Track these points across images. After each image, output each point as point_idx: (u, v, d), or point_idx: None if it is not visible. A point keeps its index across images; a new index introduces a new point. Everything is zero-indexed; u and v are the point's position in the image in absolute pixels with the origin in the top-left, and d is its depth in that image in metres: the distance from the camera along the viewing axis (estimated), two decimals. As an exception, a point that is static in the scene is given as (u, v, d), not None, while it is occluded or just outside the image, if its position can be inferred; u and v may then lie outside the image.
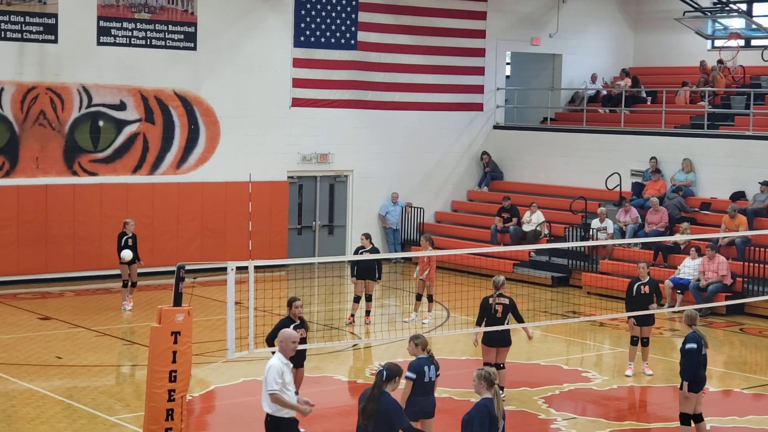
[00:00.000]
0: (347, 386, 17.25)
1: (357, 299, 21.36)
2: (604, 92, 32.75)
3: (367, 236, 21.50)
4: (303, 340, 14.11)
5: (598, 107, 32.11)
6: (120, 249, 22.32)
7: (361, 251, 21.36)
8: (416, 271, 22.08)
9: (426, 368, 12.27)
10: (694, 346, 13.52)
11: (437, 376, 12.47)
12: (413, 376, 12.20)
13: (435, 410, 12.49)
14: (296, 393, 13.97)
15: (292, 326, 14.00)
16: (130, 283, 22.53)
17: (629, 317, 17.79)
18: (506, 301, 15.96)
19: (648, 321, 17.77)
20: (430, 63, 30.65)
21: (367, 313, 21.34)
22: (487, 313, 15.96)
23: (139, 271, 23.34)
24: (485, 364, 15.82)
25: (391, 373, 10.40)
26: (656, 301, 17.76)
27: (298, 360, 14.10)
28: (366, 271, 21.17)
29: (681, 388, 13.70)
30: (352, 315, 21.40)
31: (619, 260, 25.77)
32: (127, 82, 26.26)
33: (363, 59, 29.48)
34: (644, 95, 32.00)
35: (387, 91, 30.02)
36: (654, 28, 33.77)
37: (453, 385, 16.61)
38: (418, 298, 21.97)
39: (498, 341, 15.82)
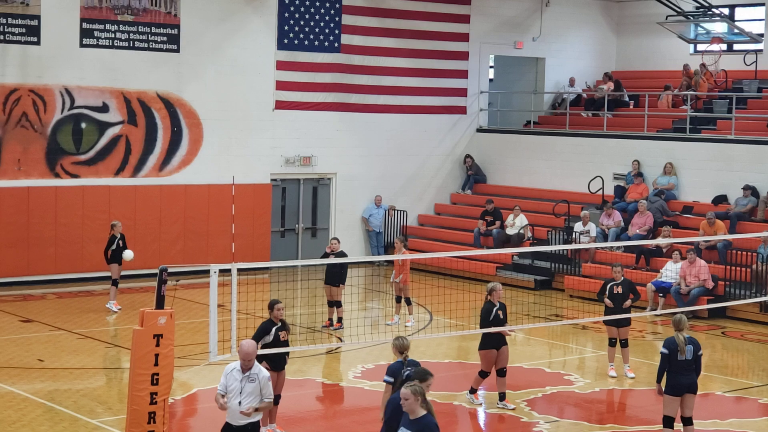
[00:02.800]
0: (330, 389, 17.23)
1: (329, 303, 21.38)
2: (584, 96, 32.83)
3: (337, 240, 21.47)
4: (285, 343, 14.09)
5: (580, 111, 32.19)
6: (114, 251, 22.33)
7: (330, 255, 21.29)
8: (393, 275, 22.08)
9: (404, 372, 12.25)
10: (665, 351, 13.69)
11: None
12: (391, 379, 12.20)
13: None
14: (279, 396, 14.05)
15: (273, 329, 13.97)
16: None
17: (605, 320, 17.95)
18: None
19: (624, 322, 17.85)
20: (414, 66, 30.66)
21: (339, 320, 21.21)
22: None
23: (123, 273, 23.29)
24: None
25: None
26: (632, 300, 17.88)
27: (278, 364, 14.07)
28: (330, 276, 21.16)
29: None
30: (329, 319, 21.37)
31: (602, 263, 25.80)
32: (110, 84, 26.19)
33: (346, 62, 29.47)
34: (627, 99, 32.09)
35: (370, 94, 30.01)
36: (637, 32, 33.87)
37: (435, 388, 16.57)
38: (398, 300, 21.98)
39: None
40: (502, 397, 15.79)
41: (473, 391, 16.04)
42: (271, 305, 14.17)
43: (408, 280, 21.83)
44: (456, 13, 31.29)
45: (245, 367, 11.29)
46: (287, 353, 14.27)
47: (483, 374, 15.96)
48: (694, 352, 13.71)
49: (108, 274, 22.78)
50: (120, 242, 22.47)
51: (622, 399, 17.16)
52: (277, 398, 14.08)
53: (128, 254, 22.02)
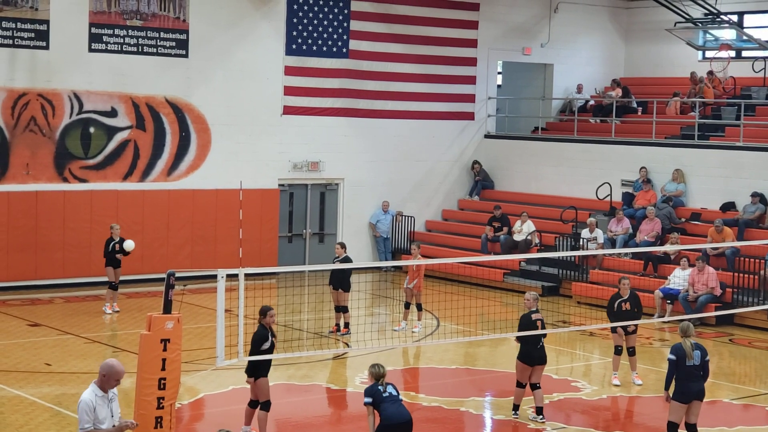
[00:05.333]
0: (336, 395, 17.23)
1: (336, 309, 21.41)
2: (591, 102, 32.81)
3: (341, 245, 21.45)
4: (270, 349, 14.12)
5: (589, 117, 32.17)
6: (110, 254, 22.54)
7: (335, 260, 21.33)
8: (406, 280, 22.06)
9: (380, 387, 12.29)
10: (673, 357, 13.69)
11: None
12: (369, 400, 12.31)
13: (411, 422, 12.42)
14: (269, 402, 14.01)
15: (270, 335, 14.05)
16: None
17: (612, 329, 17.89)
18: (541, 317, 15.86)
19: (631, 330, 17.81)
20: (422, 72, 30.67)
21: (346, 325, 21.21)
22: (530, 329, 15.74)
23: (131, 278, 23.32)
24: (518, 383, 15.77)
25: None
26: (638, 316, 17.73)
27: (267, 369, 14.11)
28: (336, 282, 21.16)
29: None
30: (337, 324, 21.37)
31: (610, 270, 25.78)
32: (119, 88, 26.24)
33: (355, 67, 29.49)
34: (635, 105, 32.06)
35: (378, 100, 30.04)
36: (645, 39, 33.84)
37: (442, 394, 16.61)
38: (407, 306, 21.96)
39: (537, 359, 15.85)
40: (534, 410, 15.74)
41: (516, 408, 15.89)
42: (264, 312, 14.26)
43: (421, 286, 21.83)
44: (464, 19, 31.30)
45: (109, 388, 10.37)
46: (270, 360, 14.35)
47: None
48: (701, 357, 13.72)
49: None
50: (117, 245, 22.59)
51: (629, 406, 17.13)
52: (267, 404, 14.09)
53: (129, 244, 22.43)
